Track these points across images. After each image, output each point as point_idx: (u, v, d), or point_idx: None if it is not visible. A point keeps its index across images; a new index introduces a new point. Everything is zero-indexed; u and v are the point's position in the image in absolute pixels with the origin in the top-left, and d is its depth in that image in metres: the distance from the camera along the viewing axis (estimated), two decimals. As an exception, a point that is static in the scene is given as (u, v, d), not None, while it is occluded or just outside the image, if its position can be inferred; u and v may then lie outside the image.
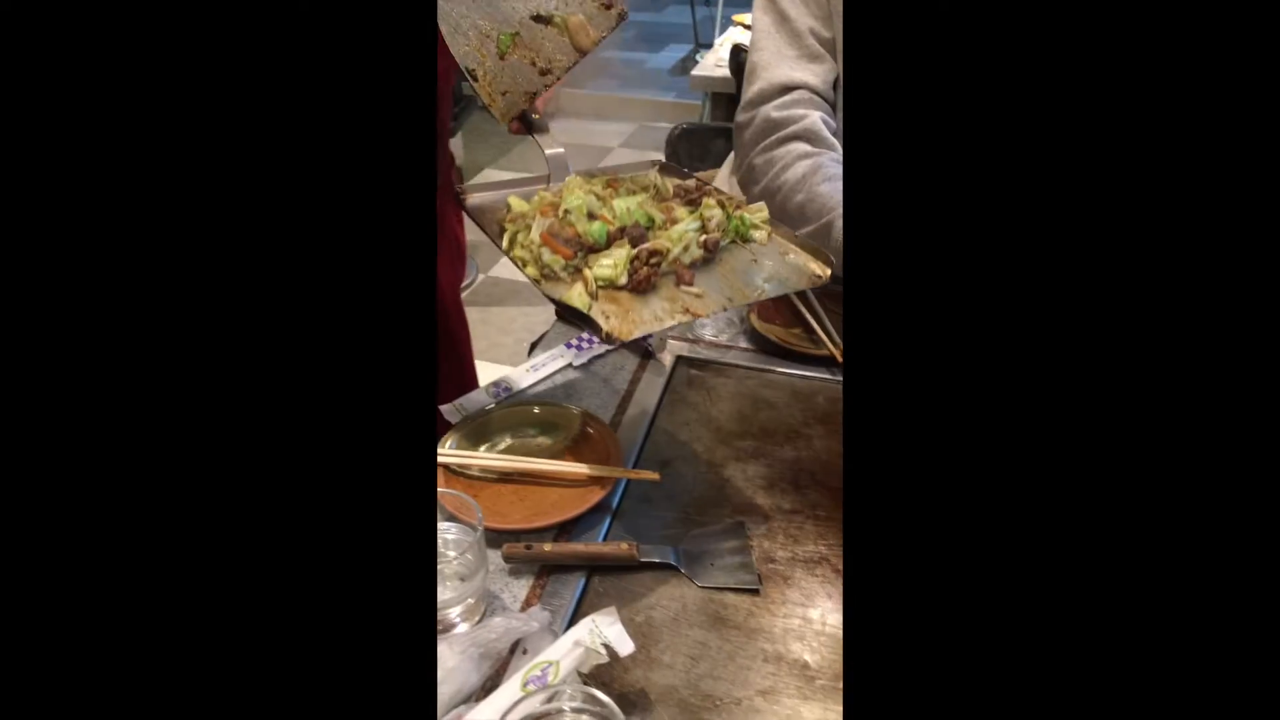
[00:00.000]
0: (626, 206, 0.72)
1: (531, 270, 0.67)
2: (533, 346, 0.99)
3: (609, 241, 0.69)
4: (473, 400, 0.82)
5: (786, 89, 0.92)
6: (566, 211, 0.70)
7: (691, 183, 0.82)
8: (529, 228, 0.69)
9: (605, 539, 0.68)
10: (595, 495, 0.69)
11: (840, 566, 0.65)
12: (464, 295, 2.37)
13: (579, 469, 0.72)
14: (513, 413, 0.80)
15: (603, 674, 0.56)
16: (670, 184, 0.79)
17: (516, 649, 0.57)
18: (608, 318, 0.64)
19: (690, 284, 0.69)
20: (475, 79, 0.62)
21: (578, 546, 0.65)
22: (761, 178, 0.91)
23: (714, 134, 1.44)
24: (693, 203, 0.76)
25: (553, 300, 0.64)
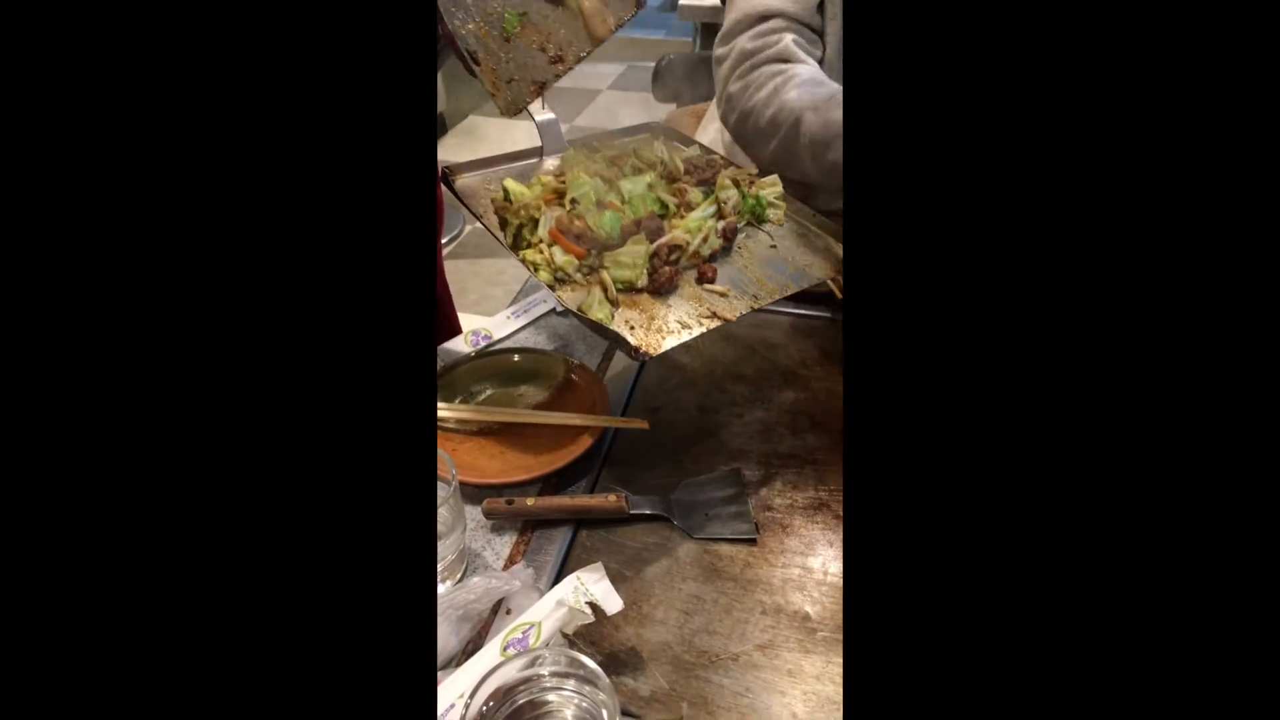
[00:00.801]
0: (636, 190, 0.67)
1: (545, 275, 0.62)
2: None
3: (623, 236, 0.64)
4: (449, 351, 0.78)
5: (762, 18, 0.88)
6: (574, 202, 0.64)
7: (697, 154, 0.76)
8: (533, 221, 0.63)
9: (593, 492, 0.64)
10: (581, 446, 0.65)
11: (842, 513, 0.62)
12: (451, 249, 2.31)
13: (563, 419, 0.68)
14: (491, 362, 0.75)
15: (591, 632, 0.53)
16: (679, 160, 0.73)
17: (500, 609, 0.54)
18: (632, 328, 0.60)
19: (713, 280, 0.65)
20: (476, 62, 0.54)
21: (563, 499, 0.62)
22: (737, 105, 0.88)
23: (701, 64, 1.36)
24: (705, 181, 0.71)
25: (575, 314, 0.59)
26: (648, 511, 0.62)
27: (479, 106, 3.12)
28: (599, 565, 0.52)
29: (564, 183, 0.66)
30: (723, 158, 0.76)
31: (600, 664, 0.45)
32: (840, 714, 0.49)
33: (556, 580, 0.55)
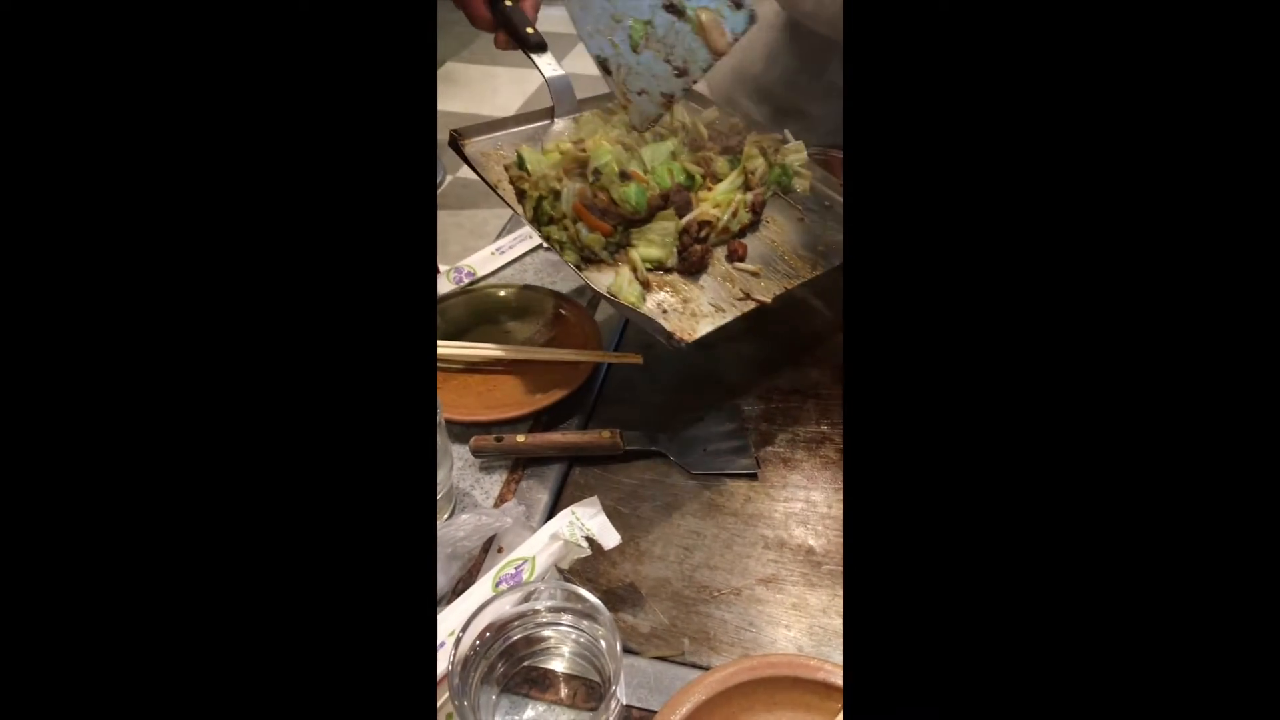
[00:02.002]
0: (658, 158, 0.62)
1: (571, 255, 0.57)
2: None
3: (650, 210, 0.59)
4: (432, 287, 0.74)
5: None
6: (596, 173, 0.59)
7: (717, 116, 0.71)
8: (554, 193, 0.58)
9: (586, 429, 0.61)
10: (573, 383, 0.62)
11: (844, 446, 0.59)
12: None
13: (554, 354, 0.65)
14: (476, 298, 0.72)
15: (587, 569, 0.51)
16: (702, 125, 0.69)
17: (490, 547, 0.52)
18: (666, 312, 0.56)
19: (744, 258, 0.62)
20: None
21: (555, 436, 0.59)
22: None
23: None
24: (730, 149, 0.67)
25: (606, 297, 0.54)
26: (643, 448, 0.59)
27: (456, 53, 3.01)
28: (594, 499, 0.49)
29: (584, 150, 0.61)
30: (746, 123, 0.71)
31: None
32: (847, 646, 0.47)
33: (549, 517, 0.53)
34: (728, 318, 0.57)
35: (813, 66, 0.95)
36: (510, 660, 0.43)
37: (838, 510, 0.55)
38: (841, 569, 0.51)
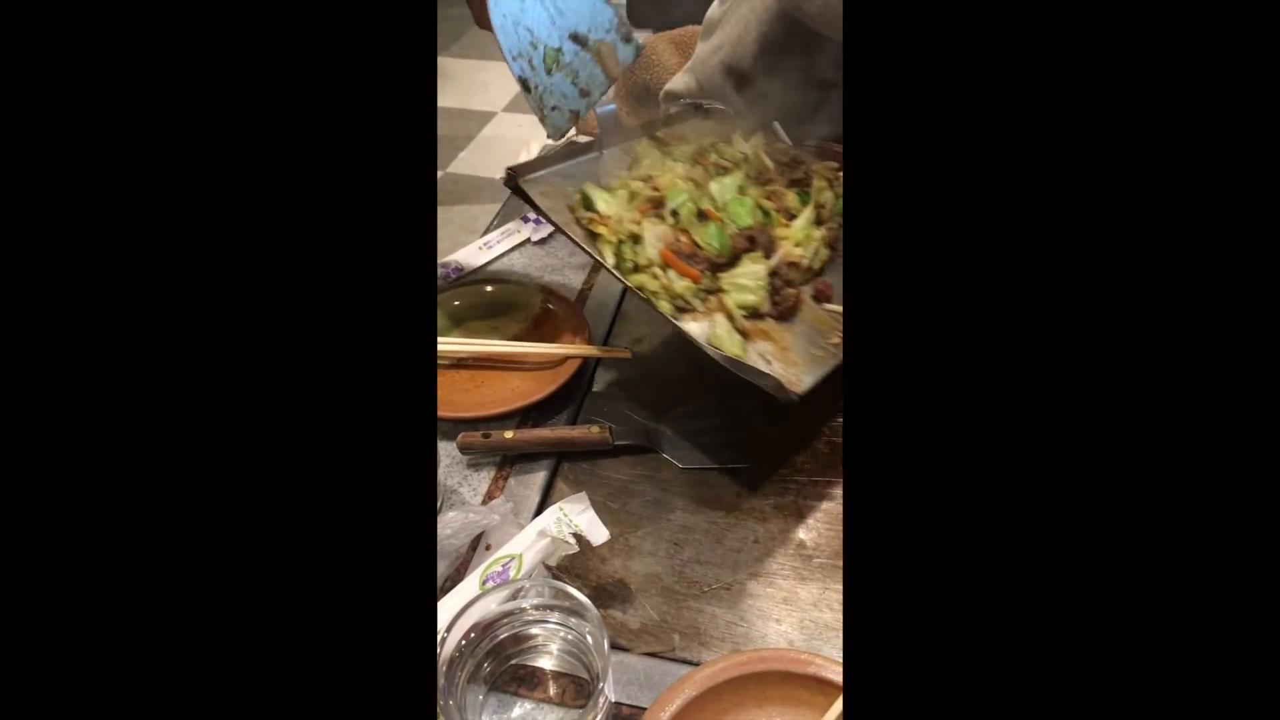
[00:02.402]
0: (727, 194, 0.61)
1: (666, 305, 0.55)
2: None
3: (734, 252, 0.58)
4: (419, 283, 0.73)
5: None
6: (674, 214, 0.58)
7: (783, 149, 0.69)
8: (633, 237, 0.56)
9: (575, 424, 0.61)
10: (561, 378, 0.61)
11: (835, 440, 0.59)
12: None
13: (541, 349, 0.64)
14: (464, 293, 0.71)
15: (576, 566, 0.50)
16: (766, 157, 0.67)
17: (479, 545, 0.51)
18: (769, 361, 0.55)
19: (830, 298, 0.60)
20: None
21: (543, 432, 0.58)
22: None
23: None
24: (797, 182, 0.66)
25: (710, 351, 0.52)
26: (633, 442, 0.58)
27: (447, 48, 2.99)
28: (582, 495, 0.49)
29: (656, 189, 0.59)
30: (813, 150, 0.69)
31: (587, 598, 0.42)
32: (839, 639, 0.47)
33: (538, 515, 0.52)
34: (828, 366, 0.55)
35: (803, 61, 0.94)
36: (497, 658, 0.43)
37: (828, 503, 0.55)
38: (832, 563, 0.51)
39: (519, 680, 0.44)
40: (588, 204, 0.58)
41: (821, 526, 0.53)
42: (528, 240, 0.79)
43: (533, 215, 0.82)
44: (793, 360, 0.55)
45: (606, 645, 0.39)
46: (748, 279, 0.57)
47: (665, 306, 0.55)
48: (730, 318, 0.55)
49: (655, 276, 0.55)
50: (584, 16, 0.58)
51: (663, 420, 0.60)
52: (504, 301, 0.70)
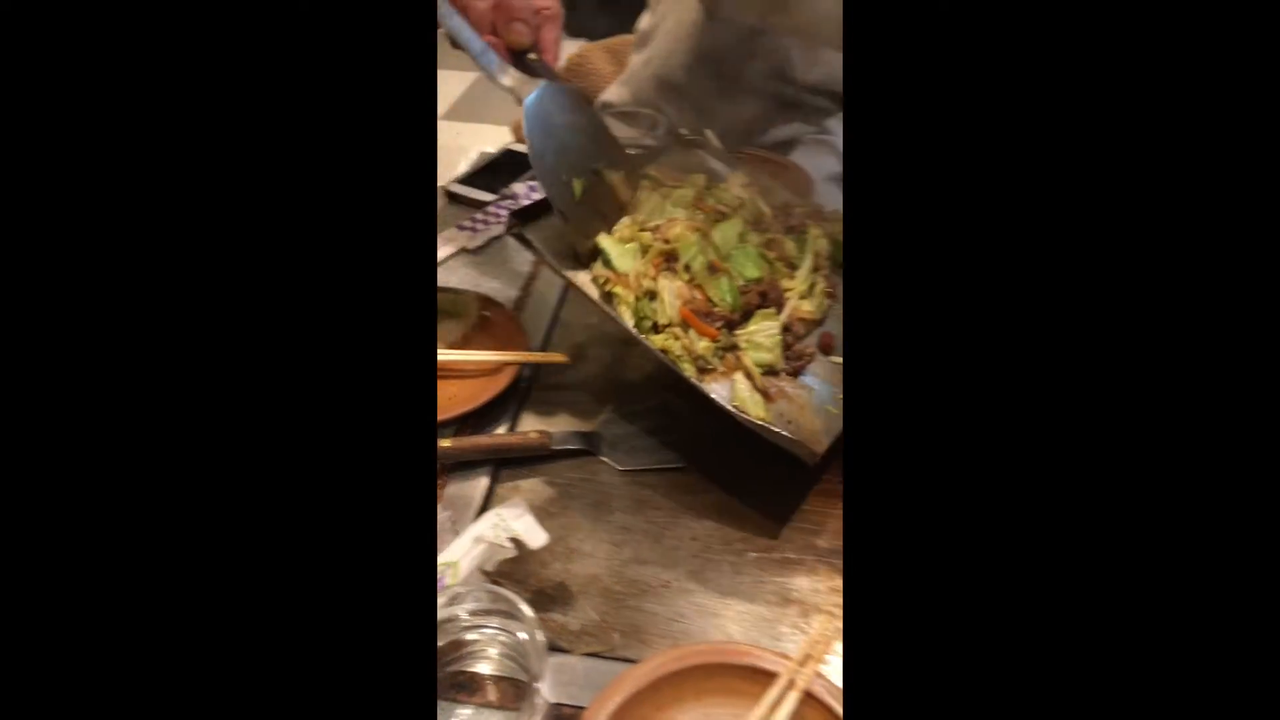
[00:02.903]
0: (729, 241, 0.61)
1: (689, 367, 0.54)
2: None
3: (746, 309, 0.58)
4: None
5: None
6: (687, 267, 0.58)
7: (778, 193, 0.70)
8: (648, 294, 0.56)
9: (513, 431, 0.61)
10: (498, 385, 0.61)
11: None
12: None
13: (478, 357, 0.64)
14: (399, 303, 0.70)
15: (516, 571, 0.50)
16: (763, 204, 0.67)
17: (416, 555, 0.51)
18: (790, 422, 0.55)
19: (832, 350, 0.60)
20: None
21: (480, 439, 0.58)
22: None
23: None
24: (792, 229, 0.66)
25: (735, 414, 0.53)
26: (571, 447, 0.59)
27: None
28: (519, 500, 0.49)
29: (667, 241, 0.59)
30: (810, 206, 0.70)
31: (527, 602, 0.42)
32: (774, 630, 0.48)
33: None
34: (842, 421, 0.55)
35: (733, 71, 0.96)
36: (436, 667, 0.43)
37: (765, 497, 0.56)
38: (767, 556, 0.52)
39: (457, 686, 0.43)
40: (605, 260, 0.58)
41: (757, 519, 0.55)
42: (463, 249, 0.79)
43: (466, 223, 0.82)
44: (810, 419, 0.56)
45: (543, 645, 0.39)
46: (763, 336, 0.57)
47: (689, 369, 0.55)
48: (750, 377, 0.56)
49: (676, 338, 0.55)
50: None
51: (600, 424, 0.61)
52: (440, 310, 0.70)
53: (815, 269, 0.63)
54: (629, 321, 0.56)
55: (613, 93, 1.09)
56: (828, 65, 0.96)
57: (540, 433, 0.58)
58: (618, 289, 0.56)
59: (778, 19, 0.76)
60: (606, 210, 0.62)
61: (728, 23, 0.88)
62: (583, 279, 0.57)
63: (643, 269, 0.57)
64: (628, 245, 0.59)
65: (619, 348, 0.70)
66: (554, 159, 0.59)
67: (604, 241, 0.58)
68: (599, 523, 0.54)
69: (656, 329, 0.56)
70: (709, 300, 0.57)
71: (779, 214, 0.67)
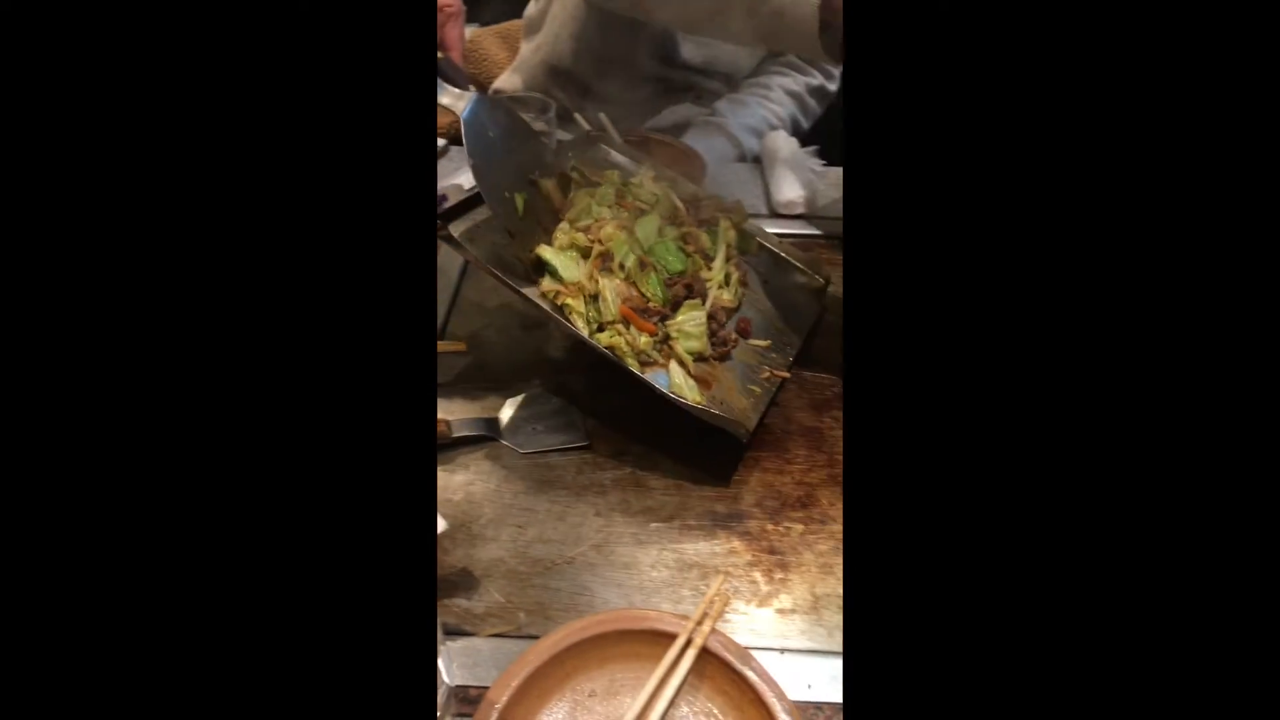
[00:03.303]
0: (649, 235, 0.63)
1: (633, 362, 0.57)
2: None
3: (674, 301, 0.61)
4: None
5: None
6: (622, 266, 0.60)
7: (683, 186, 0.73)
8: (592, 297, 0.58)
9: (411, 421, 0.60)
10: (394, 375, 0.60)
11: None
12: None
13: (371, 350, 0.62)
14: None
15: (417, 560, 0.50)
16: (675, 198, 0.70)
17: (312, 553, 0.49)
18: (721, 403, 0.58)
19: (750, 334, 0.65)
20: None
21: (376, 432, 0.57)
22: None
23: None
24: (704, 222, 0.69)
25: (678, 402, 0.55)
26: (472, 434, 0.59)
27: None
28: (416, 488, 0.48)
29: (598, 241, 0.61)
30: (717, 200, 0.73)
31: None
32: (674, 593, 0.50)
33: (374, 514, 0.51)
34: (767, 399, 0.61)
35: (620, 56, 0.97)
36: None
37: (665, 470, 0.58)
38: (668, 526, 0.54)
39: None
40: (552, 273, 0.59)
41: (657, 493, 0.56)
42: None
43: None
44: (738, 399, 0.60)
45: (439, 631, 0.39)
46: (691, 326, 0.60)
47: (633, 364, 0.57)
48: (684, 365, 0.58)
49: (619, 333, 0.57)
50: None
51: (500, 409, 0.61)
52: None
53: (728, 259, 0.67)
54: (582, 329, 0.57)
55: (505, 80, 1.08)
56: (711, 47, 0.98)
57: (440, 420, 0.58)
58: (568, 300, 0.58)
59: (647, 9, 0.77)
60: (544, 219, 0.64)
61: (607, 10, 0.89)
62: (532, 292, 0.58)
63: (586, 274, 0.59)
64: (567, 253, 0.60)
65: (516, 332, 0.70)
66: (496, 176, 0.61)
67: (546, 253, 0.60)
68: (501, 506, 0.55)
69: (601, 328, 0.58)
70: (643, 295, 0.60)
71: (690, 207, 0.71)
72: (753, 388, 0.61)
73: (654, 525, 0.54)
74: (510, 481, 0.56)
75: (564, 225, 0.63)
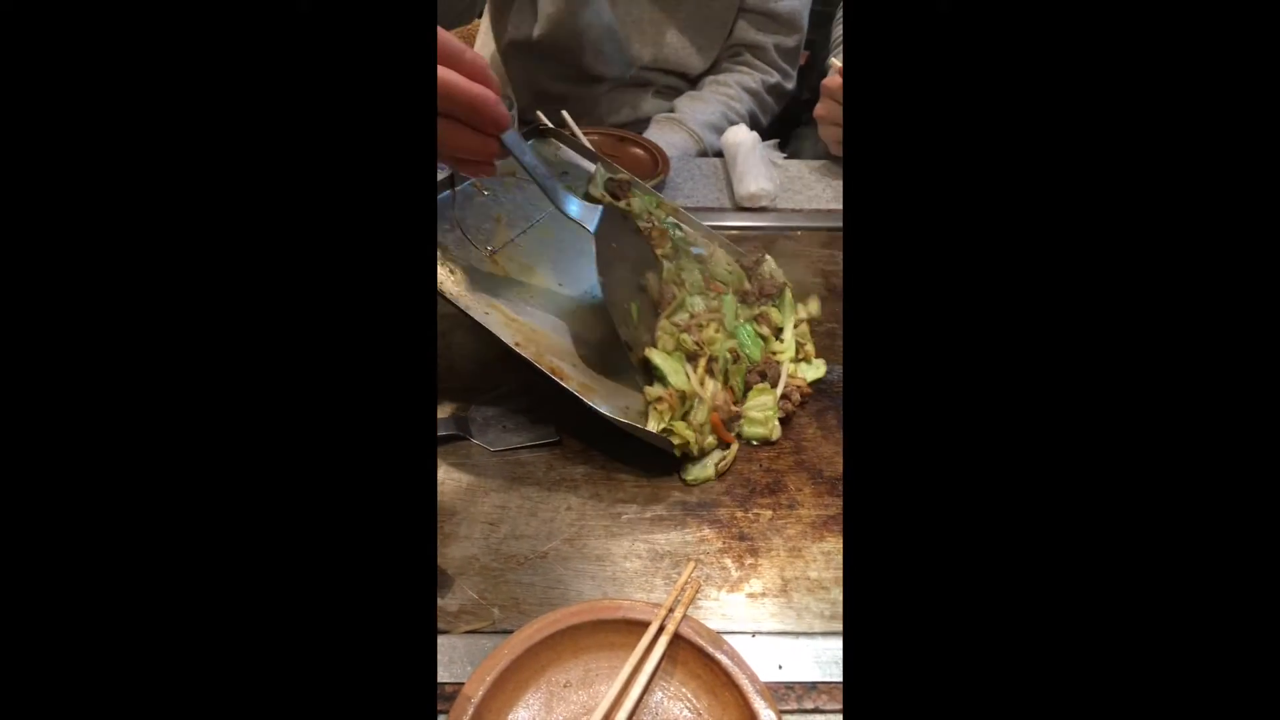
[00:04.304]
0: (732, 322, 0.64)
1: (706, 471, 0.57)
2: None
3: (746, 386, 0.61)
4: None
5: None
6: (713, 360, 0.60)
7: (736, 255, 0.73)
8: (681, 398, 0.58)
9: (380, 424, 0.60)
10: (361, 378, 0.60)
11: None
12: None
13: (337, 353, 0.62)
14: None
15: (389, 561, 0.50)
16: (742, 275, 0.70)
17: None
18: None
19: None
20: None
21: (344, 435, 0.57)
22: None
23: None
24: (768, 295, 0.70)
25: (617, 423, 0.55)
26: (443, 433, 0.59)
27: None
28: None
29: (698, 341, 0.61)
30: (776, 275, 0.72)
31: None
32: (647, 582, 0.50)
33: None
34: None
35: (569, 56, 0.98)
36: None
37: (635, 463, 0.58)
38: (640, 515, 0.55)
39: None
40: (660, 378, 0.59)
41: (628, 484, 0.57)
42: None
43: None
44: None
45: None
46: (756, 411, 0.60)
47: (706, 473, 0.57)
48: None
49: (697, 432, 0.57)
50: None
51: (471, 408, 0.61)
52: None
53: (795, 327, 0.68)
54: (655, 426, 0.57)
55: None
56: (660, 47, 0.99)
57: (408, 423, 0.58)
58: (661, 406, 0.58)
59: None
60: (649, 320, 0.64)
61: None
62: (495, 323, 0.59)
63: (698, 381, 0.59)
64: (674, 355, 0.60)
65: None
66: (618, 291, 0.61)
67: (656, 357, 0.60)
68: (473, 504, 0.55)
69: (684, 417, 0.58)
70: (732, 390, 0.60)
71: (754, 282, 0.71)
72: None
73: (626, 517, 0.54)
74: (482, 480, 0.57)
75: (665, 324, 0.63)
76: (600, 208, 0.61)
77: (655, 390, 0.58)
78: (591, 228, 0.60)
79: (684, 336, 0.62)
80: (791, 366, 0.65)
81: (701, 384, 0.59)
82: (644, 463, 0.58)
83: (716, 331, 0.63)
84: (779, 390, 0.62)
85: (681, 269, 0.68)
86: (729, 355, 0.62)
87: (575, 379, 0.58)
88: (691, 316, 0.64)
